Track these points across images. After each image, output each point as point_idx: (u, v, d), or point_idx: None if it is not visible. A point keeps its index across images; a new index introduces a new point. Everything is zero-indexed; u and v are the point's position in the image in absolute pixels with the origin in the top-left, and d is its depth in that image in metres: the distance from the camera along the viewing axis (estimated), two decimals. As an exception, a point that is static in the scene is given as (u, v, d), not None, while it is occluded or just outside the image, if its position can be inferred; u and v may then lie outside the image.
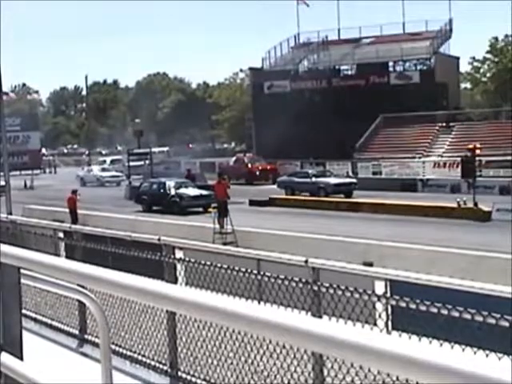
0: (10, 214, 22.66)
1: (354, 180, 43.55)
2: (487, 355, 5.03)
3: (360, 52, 63.90)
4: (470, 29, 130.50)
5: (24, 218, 19.95)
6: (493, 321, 5.10)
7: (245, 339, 6.80)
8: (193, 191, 36.97)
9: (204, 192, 36.13)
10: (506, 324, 5.05)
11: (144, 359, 8.49)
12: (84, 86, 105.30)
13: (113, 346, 8.04)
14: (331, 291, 6.32)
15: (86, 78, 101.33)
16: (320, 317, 6.41)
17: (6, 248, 2.78)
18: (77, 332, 9.94)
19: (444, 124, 54.85)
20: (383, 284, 6.18)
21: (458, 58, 67.20)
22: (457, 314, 5.34)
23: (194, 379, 7.74)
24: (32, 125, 67.84)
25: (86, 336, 9.70)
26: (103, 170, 62.08)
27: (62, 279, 3.13)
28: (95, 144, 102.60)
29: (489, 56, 69.38)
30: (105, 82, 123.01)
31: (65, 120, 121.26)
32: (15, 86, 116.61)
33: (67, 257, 10.47)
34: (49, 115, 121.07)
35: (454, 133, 53.65)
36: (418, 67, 61.53)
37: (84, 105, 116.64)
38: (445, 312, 5.42)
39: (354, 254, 16.19)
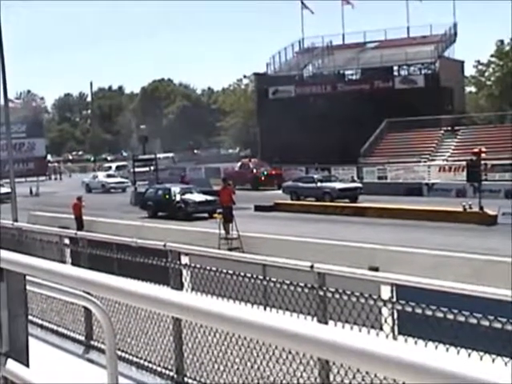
0: (16, 220, 22.68)
1: (360, 185, 43.50)
2: (493, 360, 5.01)
3: (364, 57, 63.90)
4: (474, 32, 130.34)
5: (30, 224, 19.99)
6: (499, 325, 5.09)
7: (251, 345, 6.79)
8: (198, 197, 36.99)
9: (209, 198, 36.15)
10: (513, 328, 5.03)
11: (150, 365, 8.49)
12: (89, 93, 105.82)
13: (119, 352, 8.04)
14: (337, 296, 6.31)
15: (91, 84, 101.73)
16: (326, 322, 6.41)
17: (11, 255, 2.79)
18: (83, 338, 9.94)
19: (449, 128, 54.77)
20: (389, 289, 6.18)
21: (462, 62, 67.16)
22: (463, 319, 5.32)
23: (200, 385, 7.74)
24: (37, 132, 67.89)
25: (92, 342, 9.70)
26: (109, 176, 62.13)
27: (68, 286, 3.13)
28: (100, 150, 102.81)
29: (494, 59, 69.31)
30: (110, 88, 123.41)
31: (70, 127, 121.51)
32: (20, 93, 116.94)
33: (73, 263, 10.48)
34: (54, 122, 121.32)
35: (459, 137, 53.58)
36: (423, 71, 61.47)
37: (89, 111, 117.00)
38: (451, 317, 5.41)
39: (360, 259, 16.16)
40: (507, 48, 68.20)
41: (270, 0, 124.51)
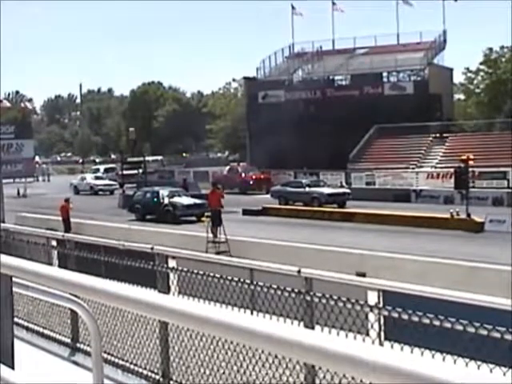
0: (3, 222, 22.56)
1: (348, 190, 43.59)
2: (479, 366, 5.03)
3: (354, 62, 64.04)
4: (464, 40, 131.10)
5: (17, 226, 19.87)
6: (485, 332, 5.11)
7: (237, 349, 6.79)
8: (186, 200, 36.95)
9: (197, 201, 36.12)
10: (498, 335, 5.06)
11: (136, 368, 8.47)
12: (78, 95, 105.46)
13: (105, 355, 8.01)
14: (324, 301, 6.32)
15: (81, 86, 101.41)
16: (312, 327, 6.41)
17: (-2, 257, 2.78)
18: (69, 341, 9.90)
19: (437, 135, 54.97)
20: (376, 294, 6.19)
21: (451, 69, 67.41)
22: (449, 325, 5.34)
23: (186, 389, 7.72)
24: (26, 133, 67.58)
25: (78, 345, 9.66)
26: (97, 178, 61.93)
27: (55, 288, 3.12)
28: (89, 152, 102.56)
29: (482, 67, 69.54)
30: (99, 90, 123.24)
31: (59, 128, 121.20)
32: (9, 94, 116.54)
33: (60, 265, 10.43)
34: (43, 123, 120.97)
35: (447, 144, 53.78)
36: (412, 78, 61.66)
37: (78, 113, 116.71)
38: (437, 323, 5.42)
39: (347, 265, 16.18)
40: (495, 56, 68.39)
41: (260, 5, 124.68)
